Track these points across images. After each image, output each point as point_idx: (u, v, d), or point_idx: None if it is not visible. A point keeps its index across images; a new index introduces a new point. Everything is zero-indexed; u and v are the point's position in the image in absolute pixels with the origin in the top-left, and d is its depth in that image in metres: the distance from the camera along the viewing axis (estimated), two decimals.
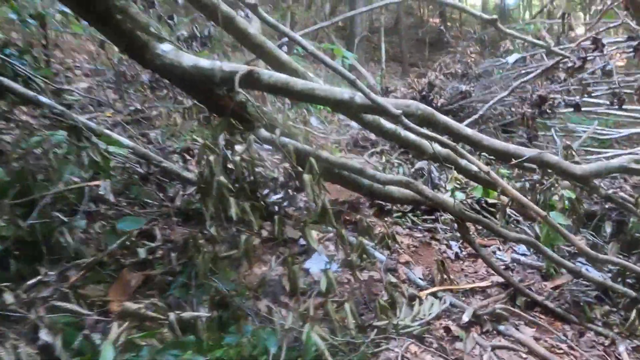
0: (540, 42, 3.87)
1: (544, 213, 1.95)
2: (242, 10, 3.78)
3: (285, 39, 4.00)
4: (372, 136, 5.35)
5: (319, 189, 2.08)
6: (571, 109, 4.06)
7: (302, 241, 2.74)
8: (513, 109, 4.89)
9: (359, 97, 2.20)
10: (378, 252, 2.77)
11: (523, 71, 4.79)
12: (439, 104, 5.15)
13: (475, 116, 4.45)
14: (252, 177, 2.36)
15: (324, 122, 6.98)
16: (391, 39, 18.39)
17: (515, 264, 3.11)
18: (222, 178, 1.72)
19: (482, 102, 5.09)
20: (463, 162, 3.00)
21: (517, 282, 2.66)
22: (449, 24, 17.53)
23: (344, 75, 2.21)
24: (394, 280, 2.41)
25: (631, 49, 3.72)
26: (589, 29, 3.45)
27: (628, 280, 2.83)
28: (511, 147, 2.52)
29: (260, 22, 4.60)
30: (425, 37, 17.42)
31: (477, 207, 3.64)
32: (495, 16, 3.51)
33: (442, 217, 3.65)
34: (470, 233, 3.05)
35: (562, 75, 4.17)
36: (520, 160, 2.49)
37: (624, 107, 3.92)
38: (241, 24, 2.86)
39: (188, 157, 3.39)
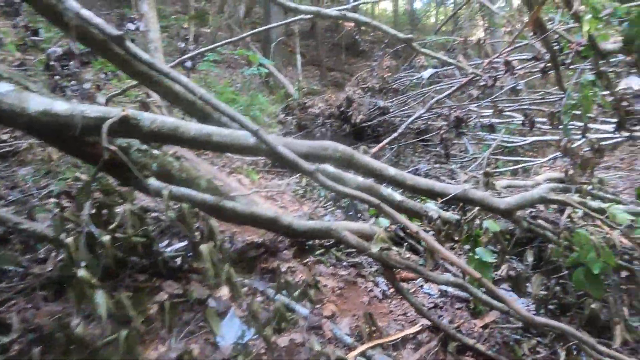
0: (456, 62, 3.83)
1: (478, 275, 1.76)
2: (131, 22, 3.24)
3: (188, 55, 3.52)
4: None
5: (221, 255, 1.71)
6: (485, 128, 4.10)
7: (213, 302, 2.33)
8: (431, 124, 4.88)
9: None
10: (300, 307, 2.45)
11: (438, 87, 4.80)
12: (357, 120, 4.98)
13: (395, 134, 4.33)
14: (141, 234, 1.91)
15: None
16: (307, 43, 18.32)
17: (443, 298, 2.98)
18: (83, 272, 1.28)
19: (401, 117, 5.02)
20: (386, 191, 2.81)
21: (447, 326, 2.50)
22: (363, 28, 17.84)
23: (243, 124, 1.84)
24: (317, 347, 2.10)
25: (536, 69, 3.81)
26: (501, 53, 3.46)
27: (550, 307, 2.83)
28: (436, 185, 2.34)
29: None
30: (341, 41, 17.59)
31: (402, 234, 3.49)
32: (410, 36, 3.37)
33: None
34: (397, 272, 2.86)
35: (475, 93, 4.18)
36: (446, 198, 2.32)
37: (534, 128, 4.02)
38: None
39: (67, 204, 2.80)
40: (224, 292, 2.45)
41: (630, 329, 2.53)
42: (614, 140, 3.92)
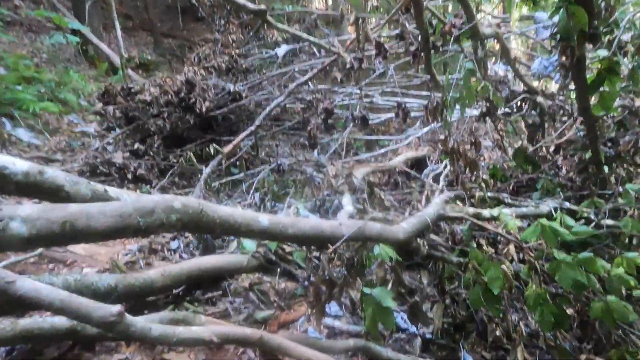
0: (319, 42, 3.18)
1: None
2: None
3: None
4: (118, 159, 3.84)
5: None
6: (357, 120, 3.62)
7: None
8: (289, 107, 4.21)
9: None
10: None
11: (296, 68, 4.14)
12: (203, 109, 4.02)
13: (252, 128, 3.55)
14: None
15: (43, 133, 4.90)
16: (136, 4, 15.72)
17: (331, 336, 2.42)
18: None
19: (256, 104, 4.23)
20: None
21: None
22: None
23: None
24: None
25: (402, 50, 3.42)
26: (372, 30, 2.92)
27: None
28: (325, 226, 1.68)
29: None
30: (176, 3, 15.52)
31: (273, 257, 2.82)
32: (262, 7, 2.57)
33: (232, 286, 2.68)
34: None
35: (339, 76, 3.64)
36: (340, 242, 1.68)
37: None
38: None
39: None
40: None
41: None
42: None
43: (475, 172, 2.42)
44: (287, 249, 2.87)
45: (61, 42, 7.48)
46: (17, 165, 1.49)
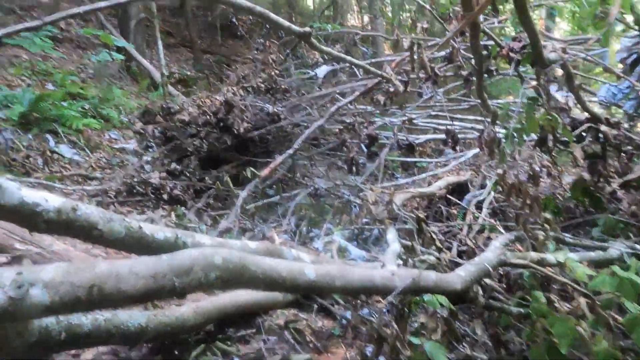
0: (364, 65, 3.04)
1: None
2: None
3: None
4: (155, 179, 3.80)
5: None
6: (403, 149, 3.44)
7: None
8: (328, 127, 4.08)
9: None
10: None
11: (338, 90, 4.02)
12: (241, 130, 3.94)
13: (290, 152, 3.43)
14: None
15: (84, 149, 4.97)
16: (178, 21, 16.23)
17: None
18: None
19: (295, 126, 4.13)
20: None
21: None
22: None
23: None
24: None
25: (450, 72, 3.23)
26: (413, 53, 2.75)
27: None
28: (376, 277, 1.49)
29: None
30: (216, 21, 15.90)
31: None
32: (307, 29, 2.45)
33: (266, 323, 2.52)
34: None
35: (382, 99, 3.47)
36: (394, 294, 1.50)
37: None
38: None
39: None
40: None
41: None
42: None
43: (536, 211, 2.19)
44: None
45: (107, 59, 7.71)
46: (50, 202, 1.40)
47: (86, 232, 1.46)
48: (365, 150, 3.30)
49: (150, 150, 4.23)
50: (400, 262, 2.31)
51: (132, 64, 10.05)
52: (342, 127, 4.24)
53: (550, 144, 2.65)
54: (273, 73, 4.14)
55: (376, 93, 3.67)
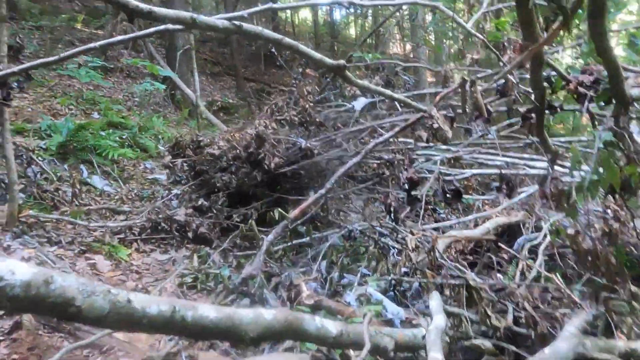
0: (405, 99, 2.75)
1: None
2: None
3: None
4: (181, 216, 3.61)
5: None
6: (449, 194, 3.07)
7: None
8: (368, 168, 3.78)
9: None
10: None
11: (375, 124, 3.74)
12: (272, 165, 3.71)
13: (322, 192, 3.15)
14: None
15: (117, 180, 4.91)
16: (223, 51, 16.72)
17: None
18: None
19: (328, 161, 3.85)
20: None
21: None
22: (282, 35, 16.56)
23: None
24: None
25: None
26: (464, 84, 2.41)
27: None
28: None
29: None
30: (260, 50, 16.25)
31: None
32: (341, 62, 2.20)
33: None
34: None
35: (424, 135, 3.13)
36: None
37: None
38: None
39: None
40: None
41: None
42: None
43: (620, 284, 1.75)
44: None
45: (148, 88, 7.88)
46: (17, 274, 1.16)
47: (60, 310, 1.22)
48: (405, 194, 2.95)
49: (179, 184, 4.08)
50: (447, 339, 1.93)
51: (177, 92, 10.31)
52: (380, 163, 3.92)
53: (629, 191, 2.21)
54: (307, 106, 3.91)
55: (418, 128, 3.34)
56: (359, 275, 3.35)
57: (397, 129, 3.26)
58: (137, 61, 8.87)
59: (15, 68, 2.46)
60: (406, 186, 2.85)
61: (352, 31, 19.27)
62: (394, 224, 3.53)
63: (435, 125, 2.93)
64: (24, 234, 2.90)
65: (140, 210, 4.04)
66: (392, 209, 2.89)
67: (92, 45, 2.17)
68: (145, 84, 7.55)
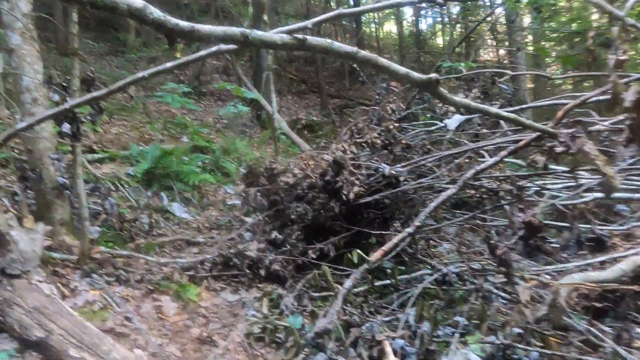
0: (514, 117, 2.14)
1: None
2: None
3: None
4: (252, 251, 3.30)
5: None
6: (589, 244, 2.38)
7: None
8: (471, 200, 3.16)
9: None
10: None
11: (475, 146, 3.12)
12: (351, 196, 3.26)
13: (410, 230, 2.62)
14: None
15: (196, 207, 4.83)
16: (309, 69, 16.88)
17: None
18: None
19: (415, 189, 3.30)
20: None
21: None
22: (366, 50, 16.26)
23: None
24: None
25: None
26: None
27: None
28: None
29: None
30: (343, 66, 16.14)
31: None
32: (433, 75, 1.69)
33: None
34: None
35: (541, 160, 2.46)
36: None
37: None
38: None
39: None
40: None
41: None
42: None
43: None
44: None
45: (233, 111, 7.98)
46: None
47: None
48: (521, 242, 2.31)
49: (253, 214, 3.82)
50: None
51: (262, 112, 10.45)
52: (480, 191, 3.28)
53: None
54: (391, 126, 3.42)
55: (532, 151, 2.67)
56: (457, 332, 2.73)
57: (503, 153, 2.62)
58: (225, 85, 9.12)
59: (76, 100, 2.34)
60: (523, 232, 2.21)
61: (439, 40, 18.31)
62: (500, 267, 2.86)
63: (559, 149, 2.27)
64: (93, 272, 2.79)
65: (215, 242, 3.83)
66: (503, 262, 2.26)
67: (140, 74, 1.94)
68: (229, 106, 7.63)
